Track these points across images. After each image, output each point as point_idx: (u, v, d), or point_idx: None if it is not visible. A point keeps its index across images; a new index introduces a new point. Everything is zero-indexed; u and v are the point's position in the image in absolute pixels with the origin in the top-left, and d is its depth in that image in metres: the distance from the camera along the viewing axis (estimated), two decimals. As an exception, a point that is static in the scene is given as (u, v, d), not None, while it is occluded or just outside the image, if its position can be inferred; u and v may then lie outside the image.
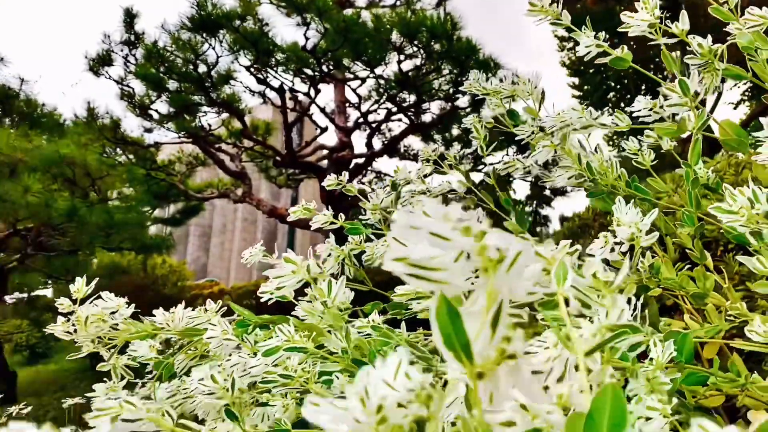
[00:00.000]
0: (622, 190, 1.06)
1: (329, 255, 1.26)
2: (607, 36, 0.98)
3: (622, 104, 27.92)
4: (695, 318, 1.12)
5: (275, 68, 6.10)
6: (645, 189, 1.07)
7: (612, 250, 0.83)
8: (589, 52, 0.99)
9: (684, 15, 0.93)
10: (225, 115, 7.41)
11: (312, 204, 1.23)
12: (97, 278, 0.85)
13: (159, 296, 10.06)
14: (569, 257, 0.47)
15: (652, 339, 0.69)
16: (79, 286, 0.86)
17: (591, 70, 27.00)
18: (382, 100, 7.05)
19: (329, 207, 3.82)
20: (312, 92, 6.63)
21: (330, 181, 1.33)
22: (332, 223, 1.30)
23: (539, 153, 1.02)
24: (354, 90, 7.52)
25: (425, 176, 1.50)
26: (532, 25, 1.07)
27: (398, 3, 9.77)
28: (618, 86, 26.53)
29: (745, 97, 27.01)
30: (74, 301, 0.83)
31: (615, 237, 0.84)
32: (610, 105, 28.06)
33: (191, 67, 5.74)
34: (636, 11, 0.93)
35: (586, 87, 27.58)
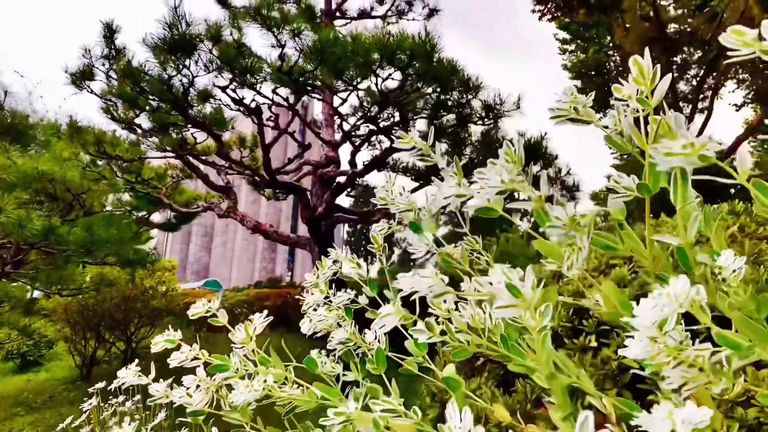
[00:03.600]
0: (492, 350, 0.93)
1: (197, 386, 1.18)
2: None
3: (625, 107, 27.80)
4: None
5: (254, 87, 5.97)
6: (522, 351, 0.93)
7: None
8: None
9: (544, 178, 0.80)
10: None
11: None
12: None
13: (147, 308, 9.96)
14: None
15: None
16: None
17: (592, 73, 26.91)
18: (362, 121, 6.92)
19: (310, 227, 3.69)
20: (291, 111, 6.50)
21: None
22: (196, 358, 1.20)
23: (381, 319, 0.89)
24: (335, 109, 7.38)
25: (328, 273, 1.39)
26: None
27: (389, 13, 9.64)
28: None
29: (749, 100, 26.86)
30: None
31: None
32: (613, 108, 27.98)
33: (165, 87, 5.62)
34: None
35: (587, 89, 27.49)
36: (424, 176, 7.97)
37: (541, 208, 0.84)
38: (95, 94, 7.24)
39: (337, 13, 9.23)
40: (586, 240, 0.80)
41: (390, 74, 5.84)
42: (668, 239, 0.79)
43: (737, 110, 26.09)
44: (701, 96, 10.95)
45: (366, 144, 7.96)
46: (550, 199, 0.81)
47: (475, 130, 7.24)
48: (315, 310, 1.41)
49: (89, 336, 10.94)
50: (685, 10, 22.98)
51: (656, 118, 0.76)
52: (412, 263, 1.32)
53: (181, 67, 5.52)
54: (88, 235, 6.85)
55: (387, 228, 1.29)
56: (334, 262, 1.46)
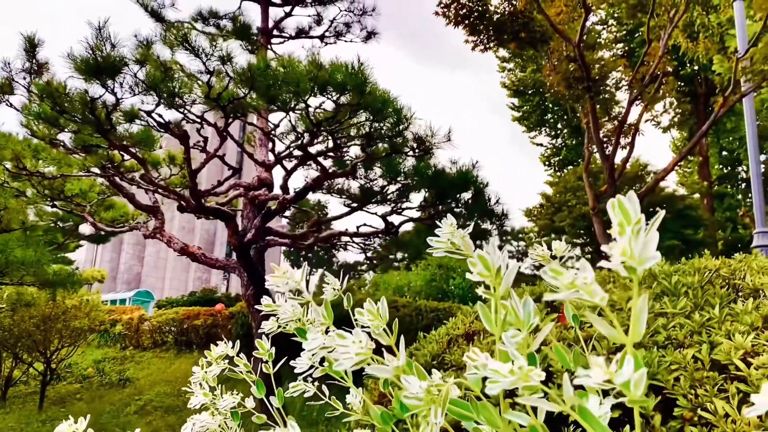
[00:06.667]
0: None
1: None
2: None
3: (559, 125, 28.62)
4: None
5: (181, 109, 5.82)
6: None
7: None
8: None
9: (402, 349, 0.80)
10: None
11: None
12: None
13: (69, 328, 9.54)
14: None
15: None
16: None
17: (530, 91, 27.58)
18: (292, 147, 6.87)
19: (238, 253, 3.60)
20: (220, 135, 6.38)
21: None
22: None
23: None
24: (267, 133, 7.30)
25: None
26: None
27: (327, 34, 9.61)
28: (556, 107, 27.23)
29: (675, 122, 28.12)
30: None
31: None
32: (548, 126, 28.77)
33: (87, 109, 5.41)
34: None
35: (525, 107, 28.19)
36: (359, 199, 7.96)
37: (399, 377, 0.83)
38: (15, 108, 6.91)
39: (275, 32, 9.13)
40: (441, 415, 0.78)
41: (322, 103, 5.83)
42: (519, 419, 0.79)
43: (663, 132, 27.29)
44: (623, 131, 11.45)
45: (302, 166, 7.89)
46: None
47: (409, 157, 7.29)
48: (199, 412, 1.36)
49: (5, 356, 10.40)
50: (615, 36, 23.84)
51: (505, 304, 0.76)
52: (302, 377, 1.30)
53: (106, 85, 5.33)
54: (2, 256, 6.51)
55: (276, 327, 1.27)
56: (221, 358, 1.41)
